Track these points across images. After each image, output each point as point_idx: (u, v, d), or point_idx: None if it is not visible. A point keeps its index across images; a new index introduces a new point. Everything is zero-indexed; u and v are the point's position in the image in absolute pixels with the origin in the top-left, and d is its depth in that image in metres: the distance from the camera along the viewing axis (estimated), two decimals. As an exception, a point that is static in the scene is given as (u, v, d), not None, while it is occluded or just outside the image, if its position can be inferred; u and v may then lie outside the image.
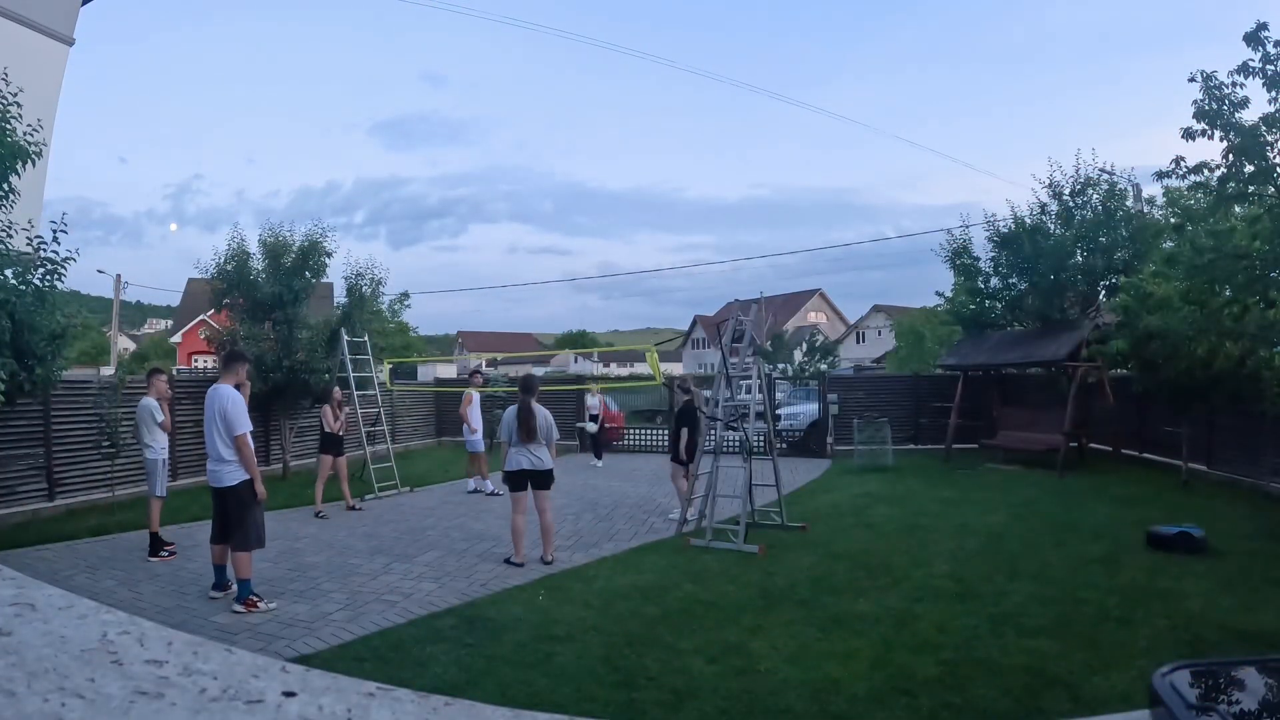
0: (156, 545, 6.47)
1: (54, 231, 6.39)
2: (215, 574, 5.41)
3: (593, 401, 13.75)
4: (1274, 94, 6.53)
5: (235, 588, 5.14)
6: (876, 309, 50.39)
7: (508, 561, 6.28)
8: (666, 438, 11.62)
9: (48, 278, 6.43)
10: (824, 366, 26.64)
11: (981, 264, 14.24)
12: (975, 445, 13.07)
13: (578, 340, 70.28)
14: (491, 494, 9.77)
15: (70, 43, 8.52)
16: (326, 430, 8.86)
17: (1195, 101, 6.93)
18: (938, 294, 16.22)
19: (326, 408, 8.90)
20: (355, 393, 10.36)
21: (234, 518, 5.09)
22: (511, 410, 6.37)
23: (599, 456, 13.48)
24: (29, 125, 6.04)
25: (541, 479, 6.30)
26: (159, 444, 6.69)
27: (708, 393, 8.74)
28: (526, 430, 6.20)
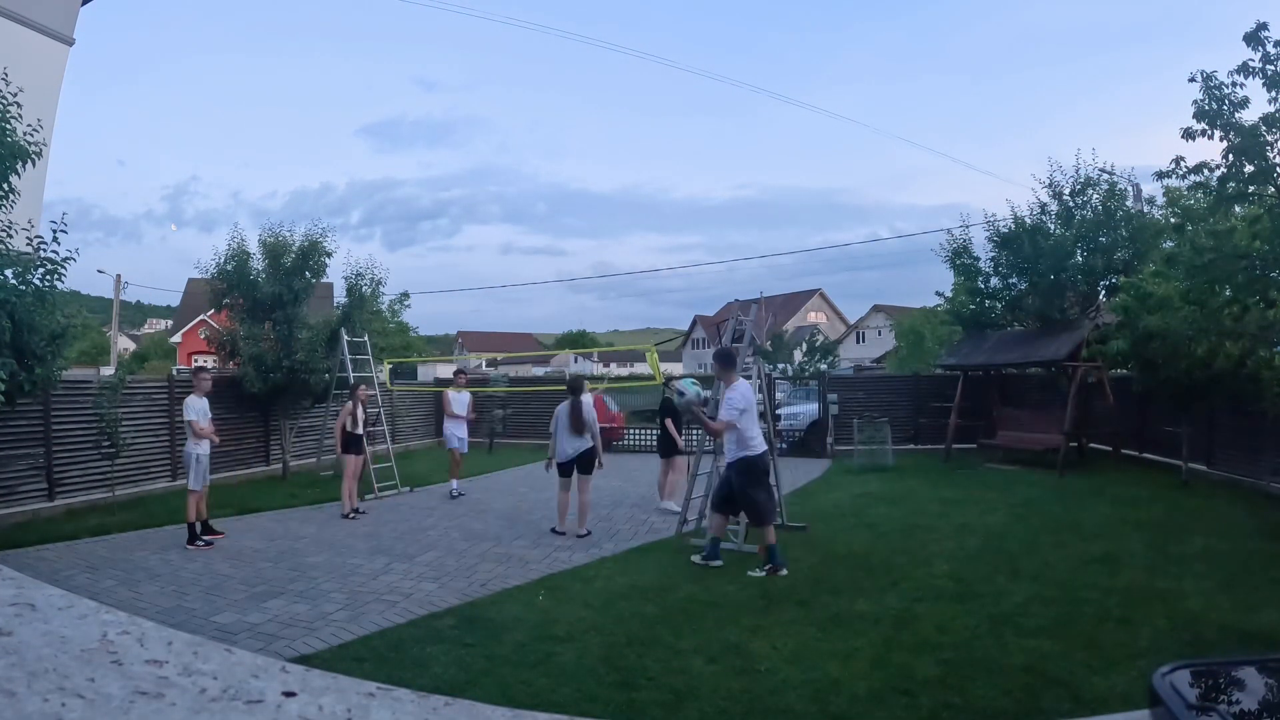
0: (192, 535, 7.04)
1: (54, 232, 6.39)
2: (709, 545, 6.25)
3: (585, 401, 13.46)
4: (1274, 94, 6.53)
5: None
6: (876, 309, 50.38)
7: (553, 530, 7.42)
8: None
9: (48, 278, 6.42)
10: (824, 366, 26.62)
11: (981, 264, 14.23)
12: (975, 445, 13.07)
13: (578, 340, 70.26)
14: (455, 495, 9.65)
15: (70, 43, 8.51)
16: (350, 430, 8.60)
17: (1195, 101, 6.92)
18: (938, 294, 16.20)
19: (349, 404, 8.69)
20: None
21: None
22: (564, 406, 7.45)
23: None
24: (29, 125, 6.04)
25: (587, 463, 7.47)
26: (192, 440, 7.24)
27: (707, 392, 8.75)
28: (577, 424, 7.36)
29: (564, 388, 7.77)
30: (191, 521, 7.01)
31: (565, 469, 7.42)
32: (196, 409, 7.20)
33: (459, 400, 10.00)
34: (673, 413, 8.93)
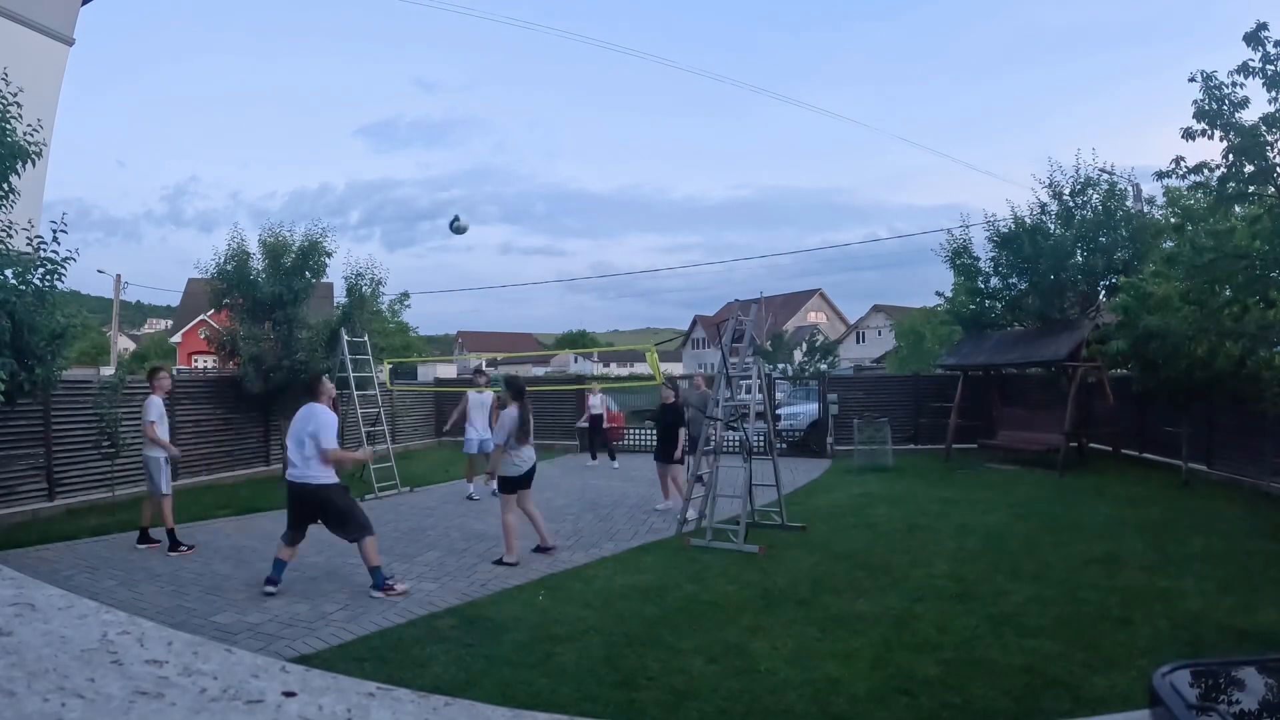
0: (174, 541, 6.67)
1: (54, 232, 6.38)
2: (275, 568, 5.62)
3: (594, 400, 13.49)
4: (1274, 94, 6.54)
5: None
6: (876, 309, 50.40)
7: (500, 562, 6.29)
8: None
9: (48, 278, 6.42)
10: (824, 366, 26.62)
11: (981, 264, 14.23)
12: (975, 445, 13.07)
13: (578, 340, 70.30)
14: (469, 498, 9.50)
15: (70, 43, 8.51)
16: None
17: (1195, 101, 6.93)
18: (938, 294, 16.21)
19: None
20: (355, 393, 10.36)
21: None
22: (513, 412, 6.45)
23: (594, 456, 13.27)
24: (29, 125, 6.03)
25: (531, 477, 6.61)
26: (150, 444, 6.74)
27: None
28: (528, 431, 6.43)
29: (566, 387, 7.46)
30: (170, 527, 6.66)
31: (525, 482, 6.52)
32: (158, 409, 6.74)
33: (479, 402, 9.81)
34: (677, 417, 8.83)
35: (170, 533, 6.68)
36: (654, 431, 10.53)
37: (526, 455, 6.45)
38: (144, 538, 6.79)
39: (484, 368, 12.42)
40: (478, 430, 9.69)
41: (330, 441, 5.48)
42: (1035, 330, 13.04)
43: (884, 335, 44.23)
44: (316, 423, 5.48)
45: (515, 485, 6.43)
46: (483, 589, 5.55)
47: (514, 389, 6.62)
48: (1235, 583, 5.42)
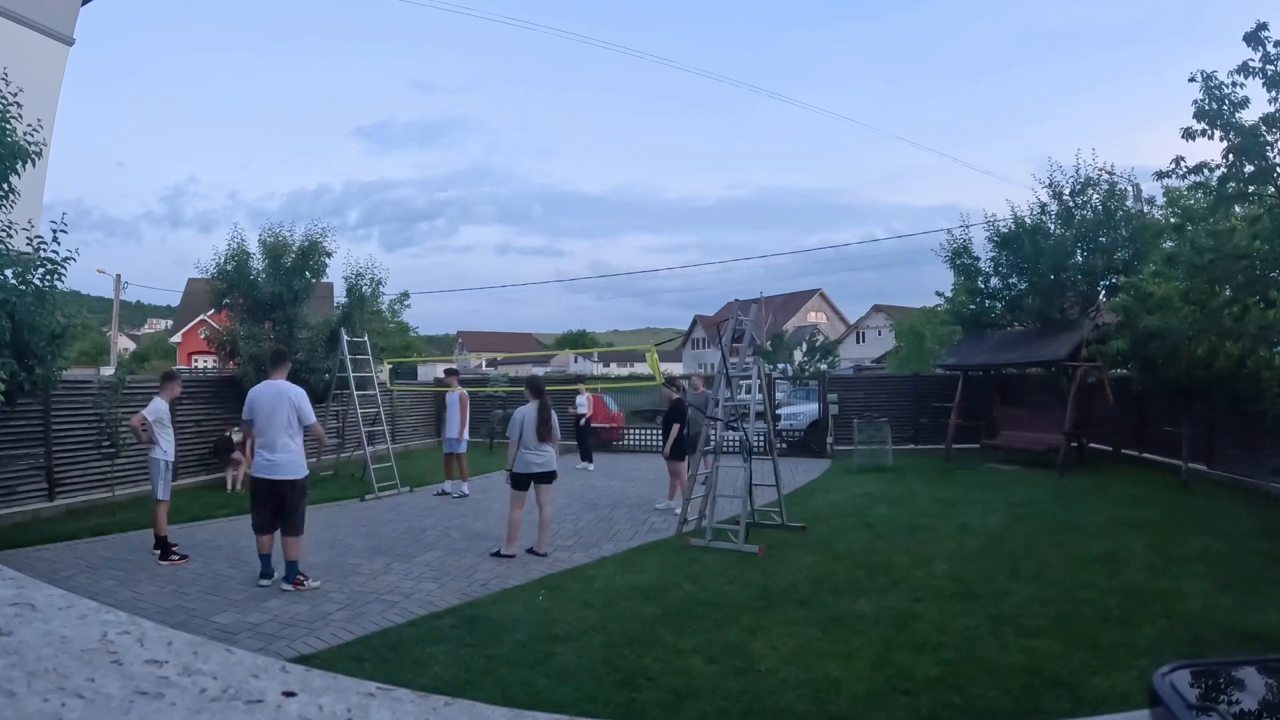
0: (165, 549, 6.35)
1: (54, 232, 6.37)
2: (262, 563, 5.67)
3: (580, 400, 13.32)
4: (1274, 94, 6.54)
5: (284, 570, 5.55)
6: (876, 309, 50.41)
7: (498, 554, 6.41)
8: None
9: (48, 278, 6.41)
10: (824, 366, 26.63)
11: (981, 264, 14.25)
12: (975, 445, 13.07)
13: (578, 340, 70.30)
14: (462, 496, 9.62)
15: (70, 43, 8.51)
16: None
17: (1195, 101, 6.93)
18: (938, 294, 16.24)
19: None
20: (355, 393, 10.36)
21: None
22: (529, 409, 6.52)
23: (588, 459, 13.13)
24: (29, 125, 6.03)
25: (551, 475, 6.63)
26: (163, 445, 6.53)
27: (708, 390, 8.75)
28: (546, 429, 6.50)
29: (565, 387, 7.49)
30: (163, 535, 6.35)
31: (525, 482, 6.49)
32: (157, 410, 6.48)
33: (450, 402, 10.04)
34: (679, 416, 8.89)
35: (162, 540, 6.36)
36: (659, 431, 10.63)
37: (542, 454, 6.51)
38: (164, 551, 6.31)
39: (463, 368, 12.42)
40: (450, 429, 9.93)
41: (313, 414, 5.75)
42: (1035, 330, 13.05)
43: (884, 335, 44.22)
44: (295, 398, 5.58)
45: (526, 482, 6.47)
46: (483, 589, 5.55)
47: (533, 387, 6.75)
48: (1235, 583, 5.42)
